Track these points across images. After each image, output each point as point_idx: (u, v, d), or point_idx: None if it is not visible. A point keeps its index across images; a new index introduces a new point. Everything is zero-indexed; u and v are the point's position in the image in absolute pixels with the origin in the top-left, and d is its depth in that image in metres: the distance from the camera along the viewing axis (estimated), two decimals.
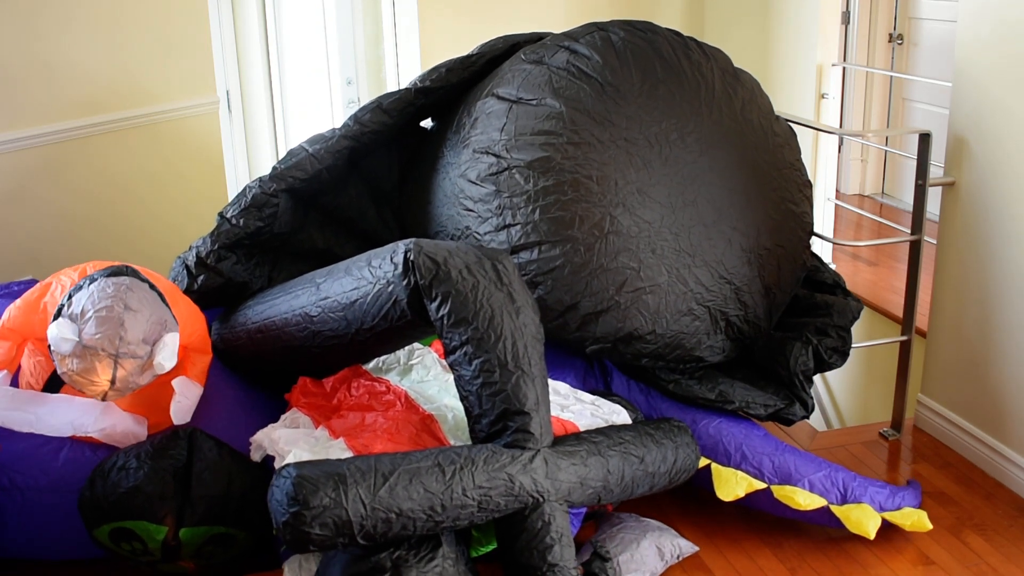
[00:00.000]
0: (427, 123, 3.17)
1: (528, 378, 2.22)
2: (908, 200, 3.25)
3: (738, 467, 2.67)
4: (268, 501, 2.03)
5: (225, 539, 2.39)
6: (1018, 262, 2.83)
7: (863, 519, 2.61)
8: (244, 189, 2.84)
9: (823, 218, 4.59)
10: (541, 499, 2.18)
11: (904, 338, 3.23)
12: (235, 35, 4.79)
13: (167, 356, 2.36)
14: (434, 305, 2.22)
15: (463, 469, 2.11)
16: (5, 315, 2.53)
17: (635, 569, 2.48)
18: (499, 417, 2.20)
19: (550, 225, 2.61)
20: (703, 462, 2.68)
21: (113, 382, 2.32)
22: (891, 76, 5.32)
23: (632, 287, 2.66)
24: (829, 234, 4.45)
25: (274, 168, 2.85)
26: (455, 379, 2.26)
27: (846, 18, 5.22)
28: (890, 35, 5.30)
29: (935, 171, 3.08)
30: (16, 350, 2.53)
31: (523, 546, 2.16)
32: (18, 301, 2.54)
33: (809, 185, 3.06)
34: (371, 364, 2.66)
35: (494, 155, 2.69)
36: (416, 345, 2.73)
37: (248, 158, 4.94)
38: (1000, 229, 2.88)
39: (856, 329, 3.06)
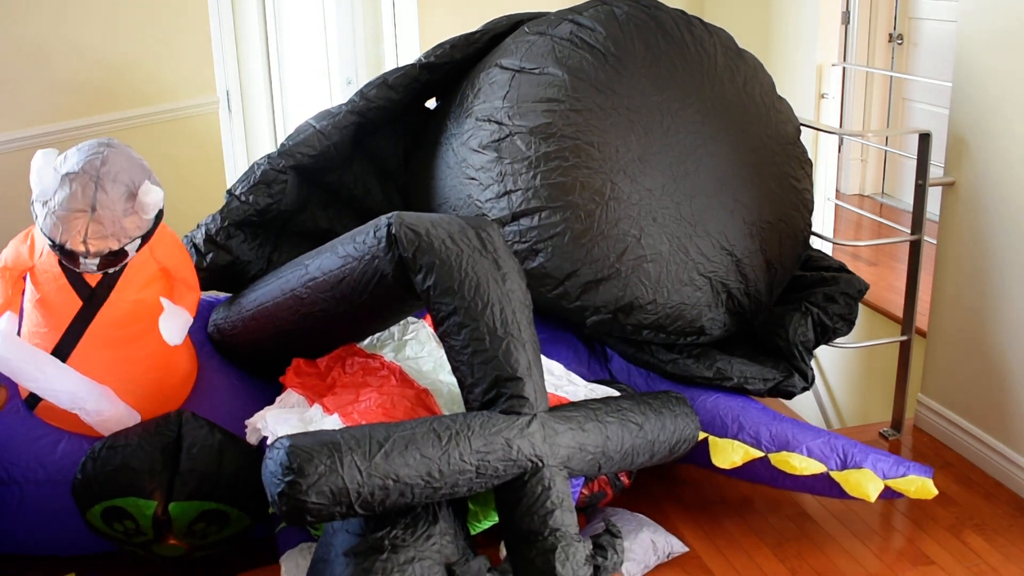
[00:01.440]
0: (432, 104, 3.18)
1: (518, 343, 2.20)
2: (908, 200, 3.25)
3: (735, 437, 2.66)
4: (262, 475, 1.99)
5: (216, 516, 2.38)
6: (1018, 262, 2.82)
7: (863, 481, 2.57)
8: (252, 166, 2.84)
9: (823, 218, 4.58)
10: (540, 463, 2.15)
11: (904, 338, 3.23)
12: (235, 35, 4.79)
13: (151, 199, 2.37)
14: (419, 277, 2.20)
15: (459, 435, 2.09)
16: None
17: (630, 559, 2.48)
18: (492, 384, 2.18)
19: (551, 191, 2.62)
20: (700, 435, 2.66)
21: (94, 208, 2.32)
22: (891, 76, 5.31)
23: (633, 255, 2.66)
24: (829, 234, 4.45)
25: (282, 145, 2.86)
26: (446, 350, 2.25)
27: (846, 18, 5.22)
28: (890, 35, 5.30)
29: (935, 171, 3.08)
30: (13, 288, 2.53)
31: (523, 512, 2.12)
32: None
33: (810, 163, 3.08)
34: (365, 342, 2.65)
35: (496, 122, 2.72)
36: (410, 320, 2.73)
37: (248, 158, 4.93)
38: (1000, 229, 2.88)
39: (856, 329, 3.07)
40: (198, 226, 2.86)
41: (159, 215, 2.46)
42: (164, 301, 2.54)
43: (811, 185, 3.07)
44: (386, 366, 2.49)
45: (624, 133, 2.70)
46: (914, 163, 3.10)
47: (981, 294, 2.97)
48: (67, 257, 2.38)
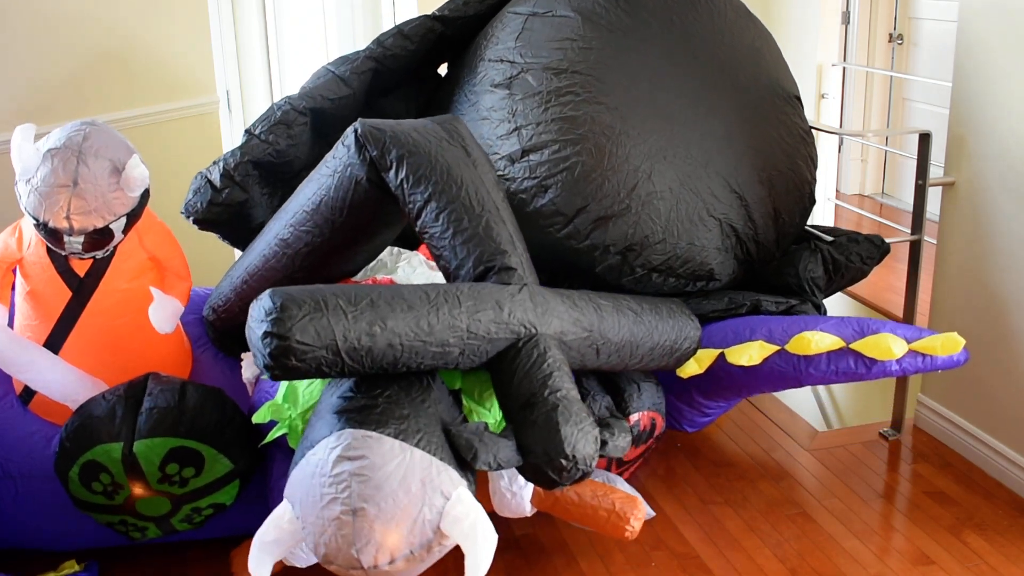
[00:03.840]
0: (444, 72, 3.21)
1: (497, 219, 2.16)
2: (908, 200, 3.25)
3: (749, 341, 2.63)
4: (247, 332, 1.93)
5: (187, 455, 2.37)
6: (1018, 262, 2.82)
7: (883, 342, 2.51)
8: (272, 107, 2.84)
9: (823, 218, 4.58)
10: (534, 330, 2.09)
11: None
12: (235, 35, 4.79)
13: (138, 174, 2.37)
14: (392, 173, 2.16)
15: (447, 293, 2.03)
16: None
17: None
18: (476, 261, 2.13)
19: (562, 124, 2.64)
20: (714, 352, 2.63)
21: (76, 183, 2.31)
22: (891, 76, 5.31)
23: (644, 191, 2.66)
24: None
25: (302, 88, 2.87)
26: (427, 245, 2.20)
27: (846, 18, 5.22)
28: (890, 35, 5.30)
29: (935, 171, 3.08)
30: (2, 281, 2.52)
31: (521, 378, 2.04)
32: None
33: (811, 132, 3.12)
34: (358, 275, 2.63)
35: (508, 61, 2.76)
36: (402, 251, 2.74)
37: None
38: (1000, 229, 2.88)
39: None
40: (214, 163, 2.82)
41: (145, 194, 2.46)
42: (154, 290, 2.54)
43: (815, 150, 3.10)
44: (378, 281, 2.47)
45: (635, 73, 2.73)
46: (914, 163, 3.10)
47: (981, 294, 2.97)
48: (52, 237, 2.37)
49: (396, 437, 1.92)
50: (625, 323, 2.33)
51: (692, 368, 2.66)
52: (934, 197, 3.11)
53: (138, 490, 2.37)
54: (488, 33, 2.91)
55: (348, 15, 5.17)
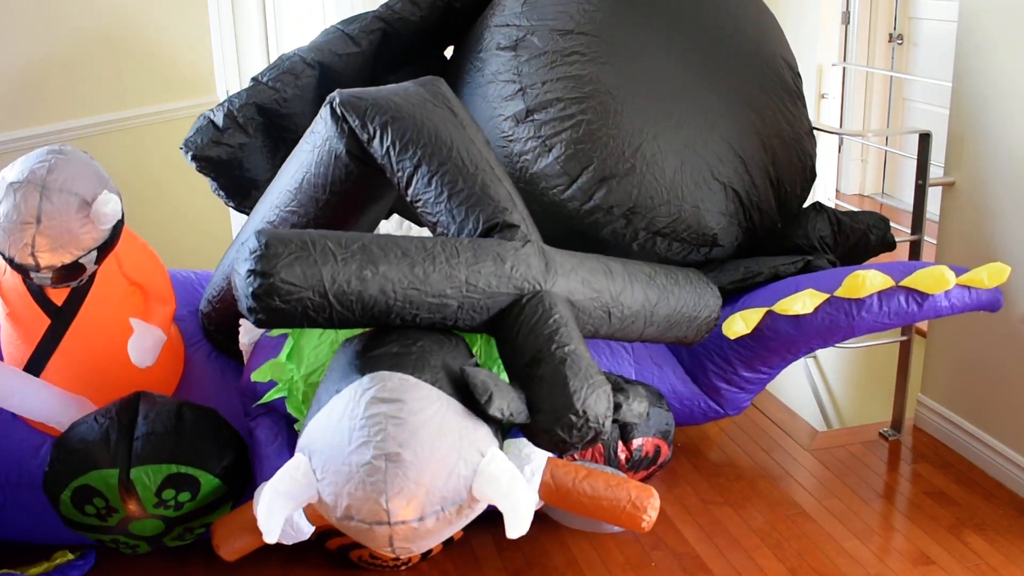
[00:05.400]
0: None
1: (492, 177, 2.04)
2: (908, 200, 3.25)
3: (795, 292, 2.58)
4: (232, 278, 1.83)
5: (184, 481, 2.33)
6: (1018, 262, 2.82)
7: (936, 272, 2.47)
8: (280, 57, 2.83)
9: None
10: (538, 286, 1.94)
11: (904, 338, 3.22)
12: (235, 35, 4.79)
13: (110, 209, 2.24)
14: (375, 143, 2.05)
15: (445, 244, 1.91)
16: None
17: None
18: (476, 222, 1.99)
19: (567, 83, 2.64)
20: (761, 310, 2.56)
21: (39, 219, 2.17)
22: (891, 76, 5.31)
23: (648, 151, 2.66)
24: None
25: (311, 42, 2.87)
26: (421, 214, 2.09)
27: (846, 18, 5.21)
28: (890, 35, 5.29)
29: (935, 171, 3.08)
30: None
31: (525, 333, 1.88)
32: None
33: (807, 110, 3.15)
34: None
35: (514, 25, 2.76)
36: (411, 224, 2.72)
37: None
38: (1000, 229, 2.88)
39: None
40: (219, 104, 2.80)
41: (118, 225, 2.34)
42: (134, 322, 2.44)
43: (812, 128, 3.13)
44: None
45: (641, 36, 2.75)
46: (914, 163, 3.10)
47: None
48: (20, 271, 2.27)
49: (433, 385, 1.79)
50: (639, 286, 2.19)
51: (740, 327, 2.57)
52: (934, 197, 3.10)
53: (133, 513, 2.34)
54: (494, 3, 2.91)
55: (348, 15, 5.16)
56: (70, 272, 2.28)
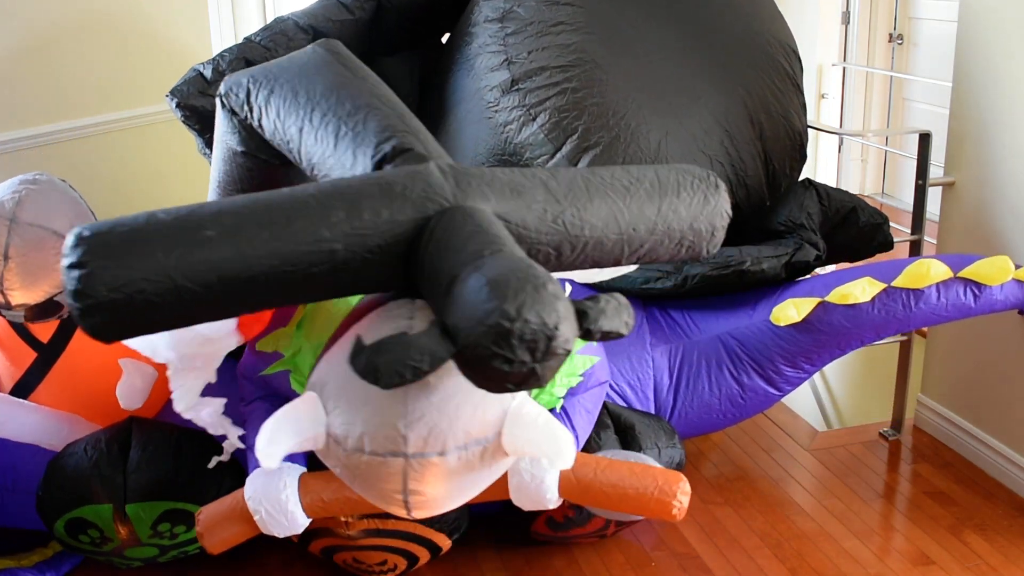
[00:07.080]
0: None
1: (382, 111, 1.71)
2: (908, 200, 3.25)
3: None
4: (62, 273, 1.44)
5: (181, 515, 2.27)
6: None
7: (998, 262, 2.45)
8: (275, 20, 2.83)
9: None
10: (445, 202, 1.54)
11: (904, 338, 3.22)
12: (235, 35, 4.79)
13: None
14: (265, 120, 1.81)
15: (318, 187, 1.54)
16: None
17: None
18: (364, 161, 1.66)
19: (552, 51, 2.66)
20: (814, 300, 2.47)
21: (7, 256, 2.04)
22: (891, 76, 5.31)
23: (633, 121, 2.67)
24: None
25: (307, 7, 2.86)
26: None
27: (846, 18, 5.22)
28: (890, 35, 5.30)
29: (935, 171, 3.08)
30: None
31: (437, 255, 1.46)
32: None
33: (802, 87, 3.14)
34: None
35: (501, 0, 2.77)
36: None
37: None
38: (1000, 229, 2.88)
39: None
40: (210, 59, 2.79)
41: None
42: (123, 363, 2.32)
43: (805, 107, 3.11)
44: None
45: (629, 8, 2.78)
46: (914, 163, 3.10)
47: None
48: None
49: None
50: (593, 186, 1.68)
51: (792, 314, 2.50)
52: (934, 197, 3.10)
53: (128, 543, 2.30)
54: None
55: None
56: (46, 310, 2.16)
